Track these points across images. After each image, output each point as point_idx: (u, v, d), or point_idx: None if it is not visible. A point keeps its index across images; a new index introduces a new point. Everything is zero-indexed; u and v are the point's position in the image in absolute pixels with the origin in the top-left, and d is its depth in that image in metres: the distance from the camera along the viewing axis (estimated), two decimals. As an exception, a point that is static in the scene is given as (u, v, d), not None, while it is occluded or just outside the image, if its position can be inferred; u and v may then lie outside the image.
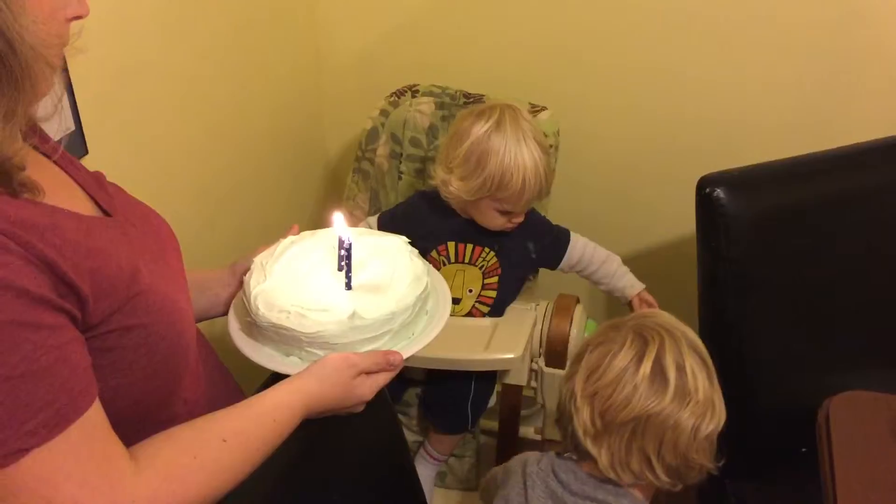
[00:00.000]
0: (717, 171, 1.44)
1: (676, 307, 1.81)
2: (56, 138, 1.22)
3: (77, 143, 1.30)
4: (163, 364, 0.86)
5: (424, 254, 1.61)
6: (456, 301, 1.65)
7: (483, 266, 1.68)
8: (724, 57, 1.78)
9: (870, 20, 1.68)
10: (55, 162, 0.90)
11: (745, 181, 1.45)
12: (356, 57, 2.05)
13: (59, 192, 0.84)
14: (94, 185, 0.92)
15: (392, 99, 1.86)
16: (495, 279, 1.68)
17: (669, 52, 1.81)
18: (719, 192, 1.42)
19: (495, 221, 1.60)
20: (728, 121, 1.83)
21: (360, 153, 1.87)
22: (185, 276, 1.01)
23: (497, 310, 1.69)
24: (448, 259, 1.68)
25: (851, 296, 1.50)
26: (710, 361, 1.11)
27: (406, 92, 1.85)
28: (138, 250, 0.88)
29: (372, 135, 1.86)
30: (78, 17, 0.79)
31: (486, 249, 1.66)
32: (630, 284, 1.72)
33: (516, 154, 1.52)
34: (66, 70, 1.24)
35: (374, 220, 1.73)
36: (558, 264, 1.72)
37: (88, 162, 1.31)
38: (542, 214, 1.74)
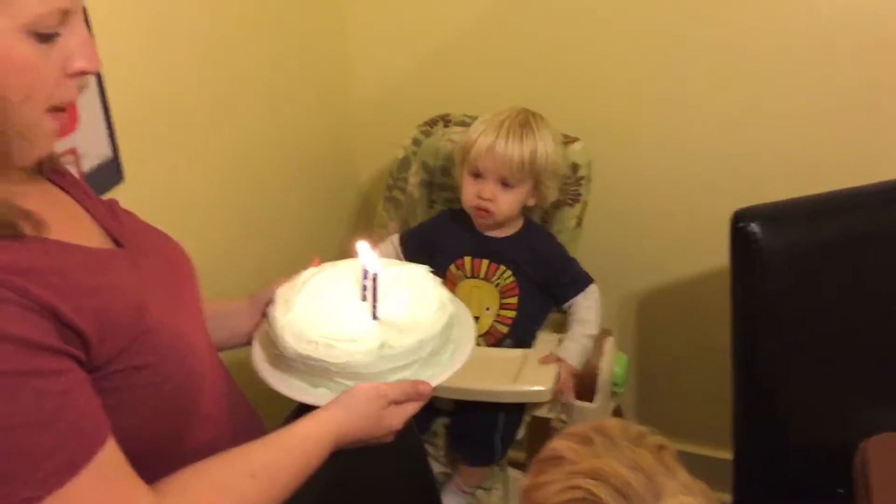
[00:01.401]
0: (751, 205, 1.43)
1: (706, 342, 1.81)
2: (92, 164, 1.25)
3: (113, 170, 1.32)
4: (172, 402, 0.85)
5: (444, 268, 1.69)
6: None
7: (500, 284, 1.69)
8: (757, 90, 1.77)
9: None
10: (67, 191, 0.90)
11: (780, 215, 1.43)
12: (388, 87, 2.06)
13: (67, 224, 0.84)
14: (106, 215, 0.92)
15: (424, 128, 1.87)
16: (514, 299, 1.68)
17: (703, 85, 1.80)
18: (754, 226, 1.40)
19: (468, 190, 1.64)
20: (761, 155, 1.81)
21: (391, 182, 1.88)
22: (200, 307, 1.00)
23: (518, 331, 1.69)
24: (465, 274, 1.70)
25: (887, 334, 1.47)
26: None
27: (438, 122, 1.86)
28: (148, 282, 0.87)
29: (403, 164, 1.86)
30: (84, 73, 0.78)
31: (503, 267, 1.68)
32: (571, 353, 1.62)
33: (493, 116, 1.63)
34: (103, 97, 1.27)
35: (396, 237, 1.76)
36: (566, 303, 1.70)
37: (124, 189, 1.33)
38: (567, 251, 1.74)
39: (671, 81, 1.82)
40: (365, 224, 2.02)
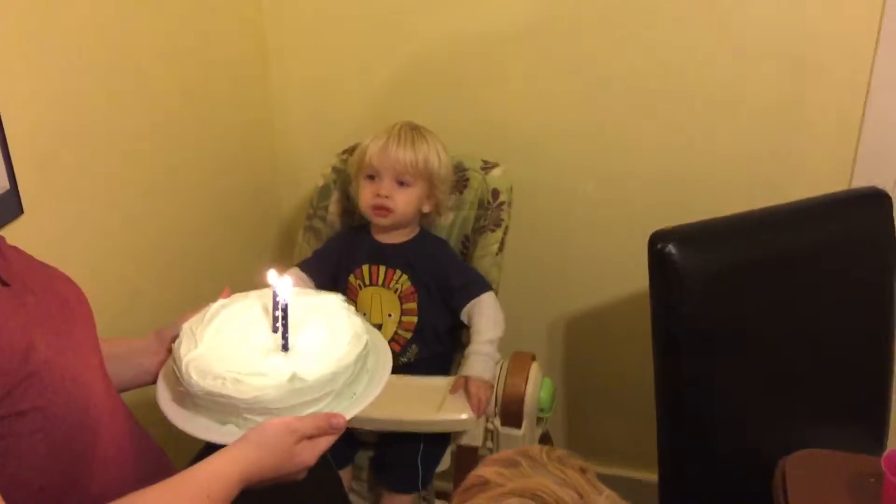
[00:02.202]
0: (668, 227, 1.44)
1: (631, 364, 1.82)
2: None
3: (11, 202, 1.26)
4: (65, 447, 0.80)
5: (345, 279, 1.71)
6: (377, 326, 1.64)
7: (398, 290, 1.70)
8: (675, 114, 1.80)
9: (816, 79, 1.70)
10: None
11: (697, 236, 1.44)
12: (309, 113, 2.04)
13: None
14: None
15: (344, 156, 1.84)
16: (414, 304, 1.69)
17: (622, 109, 1.82)
18: (671, 248, 1.41)
19: (364, 193, 1.67)
20: (679, 178, 1.84)
21: (311, 211, 1.85)
22: (96, 345, 0.95)
23: (423, 336, 1.70)
24: (363, 282, 1.71)
25: (806, 352, 1.49)
26: None
27: (357, 149, 1.84)
28: (36, 321, 0.83)
29: (324, 192, 1.84)
30: None
31: (398, 272, 1.69)
32: (476, 367, 1.58)
33: (383, 127, 1.68)
34: (0, 126, 1.21)
35: (295, 269, 1.74)
36: (460, 310, 1.68)
37: (24, 223, 1.28)
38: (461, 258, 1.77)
39: (590, 106, 1.84)
40: (285, 255, 1.98)
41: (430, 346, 1.72)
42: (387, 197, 1.65)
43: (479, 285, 1.68)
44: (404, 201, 1.66)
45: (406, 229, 1.72)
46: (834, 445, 1.32)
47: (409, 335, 1.70)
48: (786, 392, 1.49)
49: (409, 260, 1.70)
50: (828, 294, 1.50)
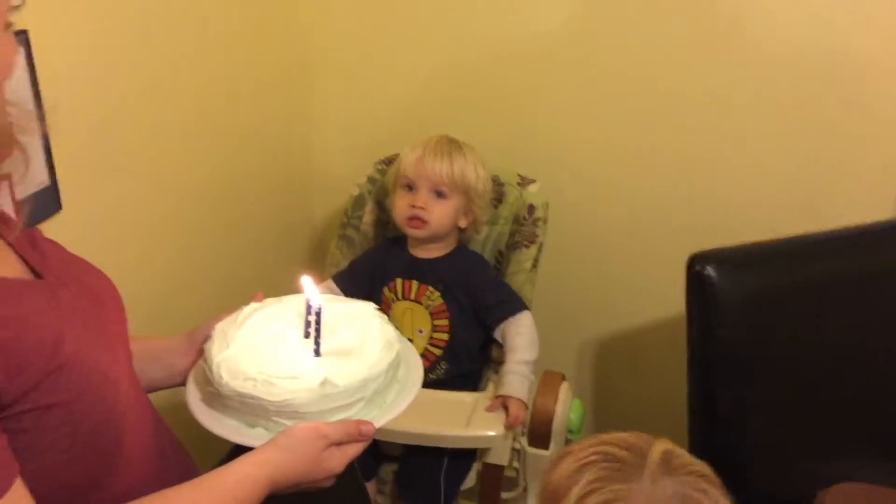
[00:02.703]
0: (708, 249, 1.41)
1: (663, 389, 1.79)
2: (28, 191, 1.20)
3: (50, 198, 1.26)
4: (90, 443, 0.79)
5: (380, 292, 1.69)
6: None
7: (429, 306, 1.67)
8: (716, 135, 1.77)
9: (866, 104, 1.67)
10: None
11: (738, 260, 1.42)
12: (347, 122, 2.04)
13: None
14: (26, 245, 0.87)
15: (380, 167, 1.84)
16: (445, 321, 1.67)
17: (660, 129, 1.80)
18: (710, 270, 1.38)
19: (400, 203, 1.65)
20: (720, 199, 1.81)
21: (345, 220, 1.84)
22: (127, 343, 0.95)
23: (453, 354, 1.68)
24: (396, 296, 1.70)
25: (846, 382, 1.45)
26: None
27: (394, 160, 1.84)
28: (67, 315, 0.81)
29: (358, 202, 1.83)
30: None
31: (431, 288, 1.67)
32: (512, 387, 1.55)
33: (421, 139, 1.67)
34: (42, 121, 1.22)
35: (330, 282, 1.73)
36: (495, 327, 1.66)
37: (62, 219, 1.28)
38: (497, 276, 1.74)
39: (631, 125, 1.82)
40: (317, 263, 1.98)
41: (461, 363, 1.70)
42: (422, 208, 1.63)
43: (516, 304, 1.66)
44: (440, 213, 1.64)
45: (442, 244, 1.70)
46: (871, 480, 1.29)
47: (439, 352, 1.68)
48: (823, 423, 1.45)
49: (443, 276, 1.68)
50: (871, 324, 1.46)
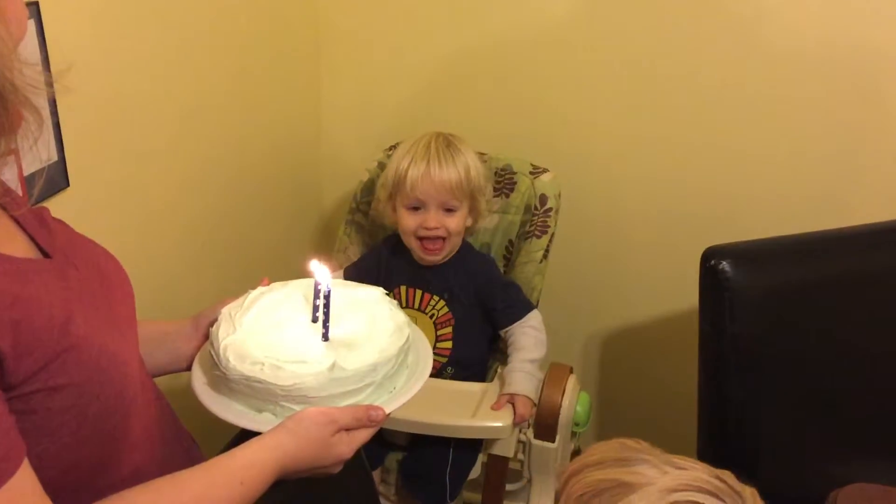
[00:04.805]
0: (723, 243, 1.39)
1: (673, 384, 1.77)
2: (35, 167, 1.18)
3: (58, 174, 1.24)
4: (98, 426, 0.77)
5: None
6: None
7: (434, 315, 1.65)
8: (732, 129, 1.75)
9: (884, 99, 1.65)
10: None
11: (753, 255, 1.40)
12: (357, 107, 2.03)
13: None
14: (35, 224, 0.85)
15: (389, 153, 1.81)
16: (449, 330, 1.65)
17: (676, 120, 1.78)
18: (725, 265, 1.36)
19: (408, 224, 1.58)
20: (734, 193, 1.79)
21: (354, 205, 1.82)
22: (135, 324, 0.93)
23: (457, 361, 1.65)
24: (400, 304, 1.64)
25: (859, 381, 1.44)
26: None
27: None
28: (76, 295, 0.79)
29: (367, 187, 1.81)
30: None
31: (436, 297, 1.65)
32: (519, 384, 1.54)
33: (412, 145, 1.58)
34: (52, 98, 1.20)
35: (340, 272, 1.71)
36: (502, 329, 1.65)
37: (69, 196, 1.26)
38: (504, 276, 1.71)
39: (645, 116, 1.80)
40: (325, 248, 1.96)
41: (466, 367, 1.68)
42: (436, 228, 1.57)
43: (524, 306, 1.63)
44: (456, 227, 1.58)
45: None
46: (884, 480, 1.27)
47: (444, 360, 1.66)
48: (835, 423, 1.43)
49: (449, 283, 1.64)
50: (887, 322, 1.44)
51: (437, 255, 1.61)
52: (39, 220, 0.86)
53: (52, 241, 0.84)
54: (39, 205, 0.91)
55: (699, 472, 0.80)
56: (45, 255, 0.83)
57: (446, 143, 1.60)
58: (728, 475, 0.81)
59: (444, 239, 1.59)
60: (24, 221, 0.84)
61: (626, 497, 0.78)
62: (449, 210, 1.58)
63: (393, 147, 1.82)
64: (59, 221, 0.91)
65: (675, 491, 0.78)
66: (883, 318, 1.45)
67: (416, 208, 1.59)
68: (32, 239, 0.83)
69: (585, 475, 0.83)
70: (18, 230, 0.83)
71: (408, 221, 1.59)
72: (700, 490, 0.78)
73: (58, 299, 0.76)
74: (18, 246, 0.80)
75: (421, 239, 1.59)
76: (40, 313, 0.72)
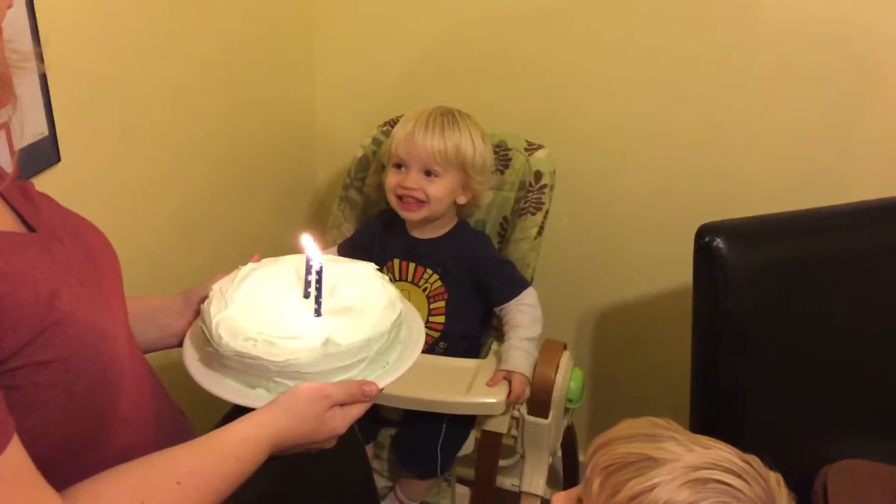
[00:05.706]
0: (718, 220, 1.39)
1: (665, 361, 1.78)
2: (26, 142, 1.17)
3: (49, 148, 1.23)
4: (85, 401, 0.77)
5: None
6: None
7: (427, 289, 1.65)
8: (728, 105, 1.74)
9: (882, 75, 1.64)
10: None
11: (747, 232, 1.39)
12: (351, 83, 2.01)
13: None
14: (19, 197, 0.84)
15: (385, 128, 1.81)
16: (442, 304, 1.65)
17: (672, 96, 1.77)
18: (719, 242, 1.36)
19: (390, 181, 1.60)
20: (730, 170, 1.78)
21: (348, 181, 1.81)
22: (122, 299, 0.92)
23: (450, 338, 1.66)
24: (394, 277, 1.67)
25: (853, 359, 1.44)
26: None
27: (398, 122, 1.80)
28: (62, 270, 0.79)
29: (362, 163, 1.80)
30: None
31: (429, 271, 1.65)
32: (515, 361, 1.55)
33: (420, 111, 1.60)
34: (43, 73, 1.19)
35: (334, 248, 1.71)
36: (497, 306, 1.65)
37: (60, 170, 1.25)
38: (499, 253, 1.71)
39: (640, 92, 1.79)
40: (319, 224, 1.95)
41: (459, 342, 1.68)
42: (413, 189, 1.58)
43: (519, 284, 1.63)
44: (436, 194, 1.58)
45: (440, 221, 1.66)
46: (876, 457, 1.28)
47: (436, 334, 1.66)
48: (829, 400, 1.43)
49: (442, 258, 1.64)
50: (881, 301, 1.44)
51: (415, 213, 1.60)
52: (24, 193, 0.85)
53: (37, 214, 0.84)
54: (24, 180, 0.91)
55: (726, 453, 0.82)
56: (30, 229, 0.82)
57: (443, 114, 1.60)
58: (754, 459, 0.83)
59: (422, 202, 1.59)
60: (9, 195, 0.83)
61: (651, 471, 0.80)
62: (431, 174, 1.58)
63: (387, 123, 1.81)
64: (45, 195, 0.90)
65: (700, 469, 0.79)
66: (876, 296, 1.45)
67: (399, 166, 1.60)
68: (17, 213, 0.82)
69: (613, 448, 0.85)
70: (2, 204, 0.82)
71: (390, 179, 1.61)
72: (725, 470, 0.79)
73: (43, 274, 0.75)
74: (2, 220, 0.79)
75: (399, 197, 1.60)
76: (25, 288, 0.71)
